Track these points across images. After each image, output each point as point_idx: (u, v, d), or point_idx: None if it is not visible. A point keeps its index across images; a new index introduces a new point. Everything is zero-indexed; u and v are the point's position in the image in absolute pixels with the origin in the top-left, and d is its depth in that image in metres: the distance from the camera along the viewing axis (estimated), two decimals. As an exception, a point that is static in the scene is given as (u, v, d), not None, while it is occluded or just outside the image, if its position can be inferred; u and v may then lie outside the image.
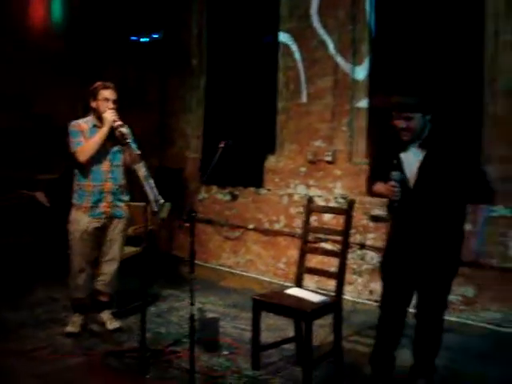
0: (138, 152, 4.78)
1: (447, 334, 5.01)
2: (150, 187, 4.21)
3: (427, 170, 3.55)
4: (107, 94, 4.66)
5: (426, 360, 3.84)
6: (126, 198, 4.89)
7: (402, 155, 3.64)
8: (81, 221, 4.71)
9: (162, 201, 4.28)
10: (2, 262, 6.29)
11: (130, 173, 4.71)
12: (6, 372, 4.06)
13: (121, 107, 7.58)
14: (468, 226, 5.31)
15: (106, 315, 4.94)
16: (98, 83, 4.71)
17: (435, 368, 3.85)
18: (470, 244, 5.20)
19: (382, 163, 3.74)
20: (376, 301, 5.81)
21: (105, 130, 4.60)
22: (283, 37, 6.77)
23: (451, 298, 5.37)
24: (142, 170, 4.25)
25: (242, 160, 7.14)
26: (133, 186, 4.63)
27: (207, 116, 7.80)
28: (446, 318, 5.30)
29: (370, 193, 4.05)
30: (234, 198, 7.36)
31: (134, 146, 4.82)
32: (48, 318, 5.11)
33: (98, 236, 4.81)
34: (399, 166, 3.61)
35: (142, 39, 7.83)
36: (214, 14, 7.66)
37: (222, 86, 7.56)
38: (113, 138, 4.64)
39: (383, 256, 3.92)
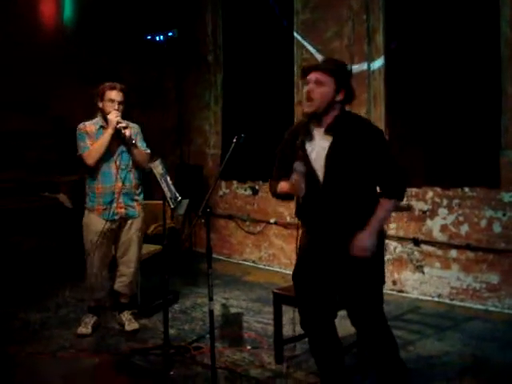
0: (148, 151, 4.81)
1: (472, 321, 5.01)
2: (166, 184, 4.22)
3: (335, 160, 3.08)
4: (112, 94, 4.63)
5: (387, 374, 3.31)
6: (139, 197, 4.85)
7: (307, 145, 3.16)
8: (95, 223, 4.70)
9: (179, 198, 4.29)
10: (26, 263, 6.38)
11: (146, 172, 4.71)
12: (33, 372, 4.10)
13: (139, 106, 7.61)
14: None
15: (125, 316, 4.96)
16: (105, 84, 4.68)
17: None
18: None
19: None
20: (400, 291, 5.80)
21: (109, 131, 4.58)
22: (298, 29, 6.73)
23: (475, 285, 5.37)
24: (158, 167, 4.26)
25: (261, 154, 7.13)
26: (151, 184, 4.64)
27: (225, 112, 7.80)
28: (471, 305, 5.36)
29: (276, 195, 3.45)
30: (255, 192, 7.36)
31: (143, 145, 4.84)
32: (73, 318, 5.14)
33: (114, 237, 4.82)
34: (305, 157, 3.13)
35: (157, 38, 7.83)
36: (229, 10, 7.64)
37: (239, 81, 7.55)
38: (119, 138, 4.63)
39: (295, 265, 3.40)
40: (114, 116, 4.56)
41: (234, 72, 7.65)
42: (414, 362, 4.05)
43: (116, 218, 4.72)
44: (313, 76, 3.13)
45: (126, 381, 4.03)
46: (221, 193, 7.75)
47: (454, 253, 5.51)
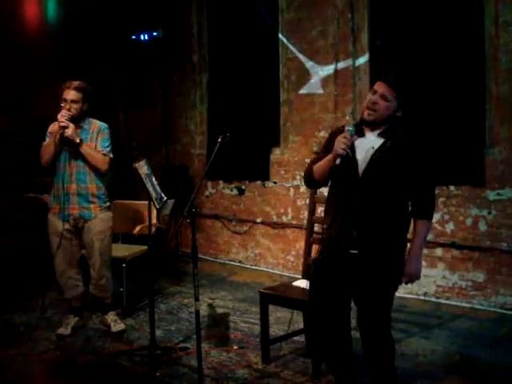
0: (104, 151, 4.64)
1: (458, 319, 5.04)
2: (151, 185, 4.20)
3: (380, 160, 3.14)
4: (65, 93, 4.53)
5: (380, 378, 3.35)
6: (98, 200, 4.68)
7: (357, 141, 3.21)
8: (54, 223, 4.65)
9: (165, 198, 4.28)
10: (10, 264, 6.31)
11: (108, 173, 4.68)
12: (21, 375, 4.07)
13: (124, 106, 7.55)
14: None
15: (110, 317, 4.92)
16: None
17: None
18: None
19: None
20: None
21: (55, 130, 4.52)
22: (283, 28, 6.73)
23: (461, 283, 5.40)
24: (143, 167, 4.24)
25: (248, 154, 7.12)
26: (136, 184, 4.61)
27: (211, 112, 7.76)
28: (457, 303, 5.38)
29: None
30: (241, 192, 7.34)
31: (103, 145, 4.67)
32: (58, 319, 5.08)
33: (75, 238, 4.73)
34: (352, 151, 3.18)
35: (142, 38, 7.79)
36: (214, 10, 7.61)
37: (225, 80, 7.52)
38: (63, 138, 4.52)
39: (317, 258, 3.44)
40: (59, 115, 4.46)
41: (219, 72, 7.61)
42: (400, 360, 4.05)
43: (69, 219, 4.63)
44: (381, 89, 3.19)
45: (112, 382, 4.01)
46: (207, 193, 7.72)
47: (439, 251, 5.53)
